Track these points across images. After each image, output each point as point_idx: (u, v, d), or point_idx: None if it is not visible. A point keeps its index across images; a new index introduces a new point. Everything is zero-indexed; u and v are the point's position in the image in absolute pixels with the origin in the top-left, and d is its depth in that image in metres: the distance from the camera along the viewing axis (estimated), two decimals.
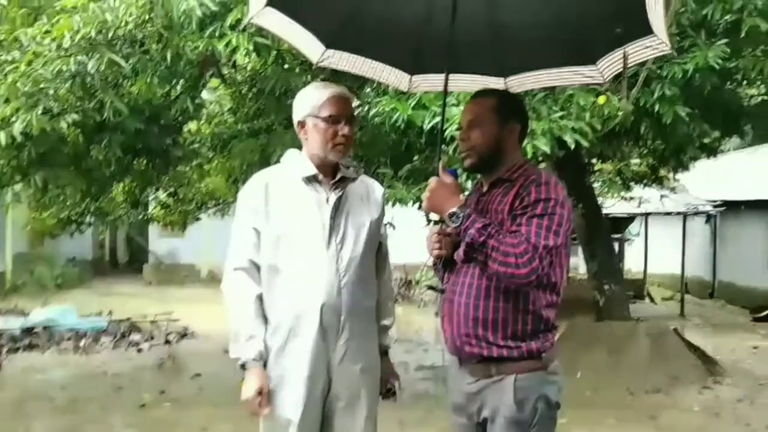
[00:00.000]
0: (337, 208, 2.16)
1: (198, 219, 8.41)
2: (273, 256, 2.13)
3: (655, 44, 1.93)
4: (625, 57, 1.92)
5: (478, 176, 2.18)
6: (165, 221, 8.09)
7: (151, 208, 8.06)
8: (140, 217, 7.79)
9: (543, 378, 1.94)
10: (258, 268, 2.15)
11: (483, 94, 2.14)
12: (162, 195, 7.59)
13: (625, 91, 3.72)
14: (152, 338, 8.67)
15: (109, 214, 7.42)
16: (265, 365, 2.11)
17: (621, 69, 2.16)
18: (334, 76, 4.06)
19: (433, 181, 1.99)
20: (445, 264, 2.07)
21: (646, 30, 1.91)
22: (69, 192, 6.55)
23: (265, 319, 2.14)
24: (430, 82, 2.55)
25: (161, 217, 7.94)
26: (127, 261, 19.14)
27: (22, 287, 13.46)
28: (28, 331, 8.21)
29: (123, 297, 13.40)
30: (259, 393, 2.06)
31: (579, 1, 2.10)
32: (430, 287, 2.22)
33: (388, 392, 2.32)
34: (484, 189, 2.08)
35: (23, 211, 10.11)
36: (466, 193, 2.23)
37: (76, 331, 8.37)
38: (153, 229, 15.58)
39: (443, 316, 2.07)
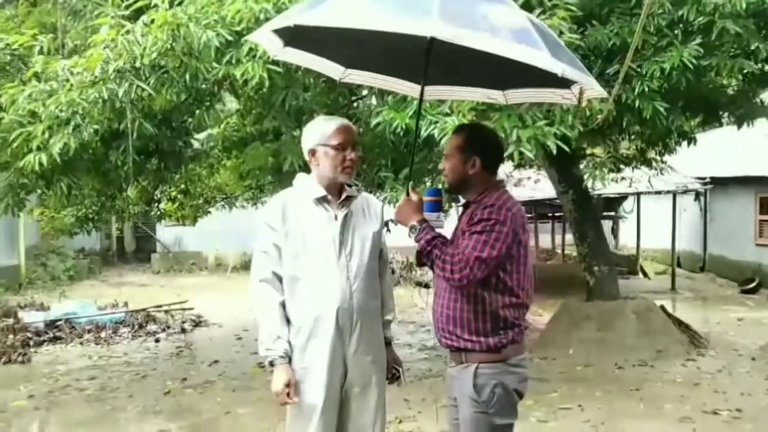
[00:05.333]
0: (345, 224, 2.54)
1: (209, 213, 8.80)
2: (293, 268, 2.50)
3: (600, 89, 2.41)
4: (581, 92, 2.34)
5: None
6: (177, 216, 8.47)
7: (162, 204, 8.42)
8: (153, 213, 8.16)
9: (503, 368, 2.33)
10: (280, 278, 2.51)
11: (457, 130, 2.57)
12: (174, 192, 7.94)
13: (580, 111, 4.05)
14: (168, 327, 9.10)
15: (125, 211, 7.79)
16: (289, 361, 2.48)
17: (589, 95, 2.57)
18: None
19: (402, 198, 2.46)
20: None
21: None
22: (87, 193, 6.94)
23: (288, 322, 2.51)
24: (438, 92, 2.95)
25: (174, 213, 8.32)
26: (134, 250, 19.53)
27: (35, 280, 13.86)
28: (52, 324, 8.61)
29: (134, 287, 13.85)
30: (287, 385, 2.43)
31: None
32: (417, 283, 2.68)
33: (393, 377, 2.73)
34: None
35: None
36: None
37: (96, 324, 8.79)
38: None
39: (432, 313, 2.51)
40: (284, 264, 2.50)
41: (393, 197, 4.50)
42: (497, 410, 2.33)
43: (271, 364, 2.47)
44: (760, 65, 5.85)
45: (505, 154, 4.08)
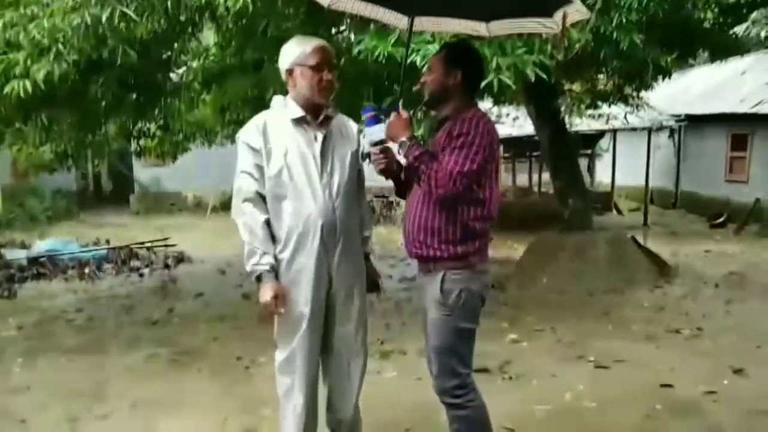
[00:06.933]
0: (325, 144, 2.63)
1: (188, 149, 8.77)
2: (276, 186, 2.58)
3: (585, 9, 2.45)
4: (564, 16, 2.41)
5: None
6: (157, 152, 8.44)
7: (141, 140, 8.36)
8: (133, 149, 8.12)
9: (469, 275, 2.50)
10: (263, 198, 2.60)
11: (444, 46, 2.68)
12: (153, 127, 7.88)
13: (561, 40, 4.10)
14: (151, 263, 9.21)
15: (104, 146, 7.75)
16: (276, 276, 2.59)
17: (570, 22, 2.65)
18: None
19: (393, 115, 2.55)
20: (399, 183, 2.65)
21: None
22: (66, 128, 6.89)
23: (273, 239, 2.61)
24: (423, 23, 3.00)
25: (153, 149, 8.28)
26: (111, 191, 19.35)
27: (13, 221, 13.77)
28: (34, 261, 8.66)
29: (114, 227, 13.83)
30: (275, 297, 2.55)
31: None
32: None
33: (373, 287, 2.89)
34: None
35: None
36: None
37: (78, 260, 8.86)
38: (137, 159, 15.76)
39: (403, 226, 2.65)
40: (267, 183, 2.57)
41: None
42: (462, 314, 2.51)
43: (258, 278, 2.56)
44: None
45: (485, 82, 4.18)
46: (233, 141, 9.12)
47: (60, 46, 3.93)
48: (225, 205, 15.15)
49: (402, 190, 2.70)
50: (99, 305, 7.01)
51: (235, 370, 4.69)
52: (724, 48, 6.75)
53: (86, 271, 8.54)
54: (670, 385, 4.10)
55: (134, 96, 6.61)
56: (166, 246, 9.84)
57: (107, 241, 10.26)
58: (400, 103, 2.61)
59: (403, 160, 2.55)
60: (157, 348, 5.30)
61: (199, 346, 5.35)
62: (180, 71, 7.01)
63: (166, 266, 9.11)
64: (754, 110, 11.64)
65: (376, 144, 2.53)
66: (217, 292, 7.50)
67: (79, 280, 8.32)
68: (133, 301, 7.19)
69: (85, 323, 6.26)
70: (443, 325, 2.53)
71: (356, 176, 2.74)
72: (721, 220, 12.19)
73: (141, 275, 8.64)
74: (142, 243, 9.84)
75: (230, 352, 5.07)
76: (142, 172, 17.18)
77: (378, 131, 2.52)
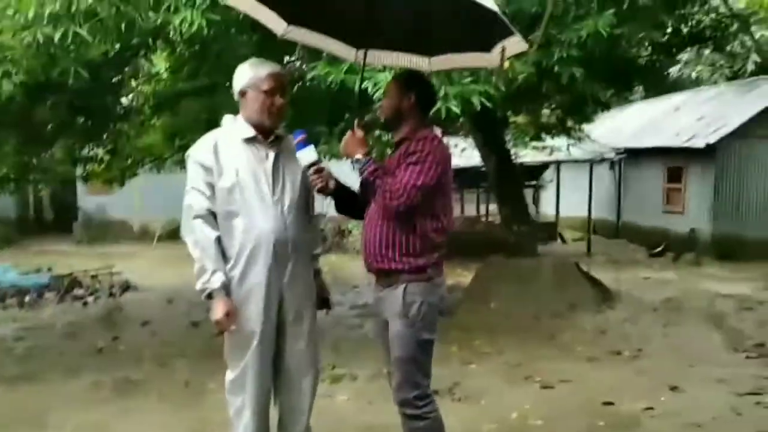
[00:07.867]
0: (276, 163, 2.69)
1: (136, 174, 8.64)
2: (228, 204, 2.61)
3: (524, 42, 2.61)
4: (503, 51, 2.56)
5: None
6: (104, 178, 8.29)
7: (88, 165, 8.20)
8: (80, 173, 7.97)
9: (428, 287, 2.61)
10: (214, 215, 2.62)
11: (397, 74, 2.81)
12: (101, 152, 7.75)
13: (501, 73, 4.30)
14: (96, 292, 8.96)
15: (49, 171, 7.59)
16: (227, 293, 2.60)
17: (509, 55, 2.81)
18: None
19: (348, 133, 2.68)
20: (338, 200, 2.73)
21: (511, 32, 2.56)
22: (10, 150, 6.73)
23: (224, 257, 2.62)
24: (372, 56, 3.10)
25: (101, 174, 8.14)
26: (54, 219, 18.73)
27: None
28: None
29: (57, 255, 13.37)
30: (227, 314, 2.57)
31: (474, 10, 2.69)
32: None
33: (323, 304, 2.93)
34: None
35: None
36: None
37: (18, 288, 8.56)
38: (81, 186, 15.33)
39: (362, 241, 2.72)
40: (219, 200, 2.60)
41: (328, 151, 4.68)
42: (423, 326, 2.59)
43: (210, 296, 2.57)
44: (666, 38, 6.38)
45: (433, 110, 4.34)
46: (183, 167, 9.11)
47: (9, 65, 3.89)
48: (172, 234, 14.85)
49: (341, 206, 2.78)
50: (40, 334, 6.79)
51: (183, 395, 4.61)
52: (659, 84, 7.17)
53: (26, 299, 8.26)
54: (611, 403, 4.25)
55: (83, 119, 6.53)
56: (111, 274, 9.59)
57: (49, 269, 9.94)
58: (355, 122, 2.72)
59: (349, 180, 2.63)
60: (101, 375, 5.16)
61: (145, 373, 5.23)
62: (130, 96, 6.97)
63: (111, 294, 8.88)
64: (687, 144, 12.28)
65: (310, 166, 2.60)
66: (164, 321, 7.35)
67: (18, 308, 8.04)
68: (77, 329, 6.98)
69: (24, 351, 6.05)
70: (406, 338, 2.59)
71: (307, 194, 2.78)
72: (659, 249, 12.70)
73: (85, 304, 8.40)
74: (87, 271, 9.56)
75: (178, 379, 4.98)
76: (87, 199, 16.73)
77: (309, 153, 2.60)
